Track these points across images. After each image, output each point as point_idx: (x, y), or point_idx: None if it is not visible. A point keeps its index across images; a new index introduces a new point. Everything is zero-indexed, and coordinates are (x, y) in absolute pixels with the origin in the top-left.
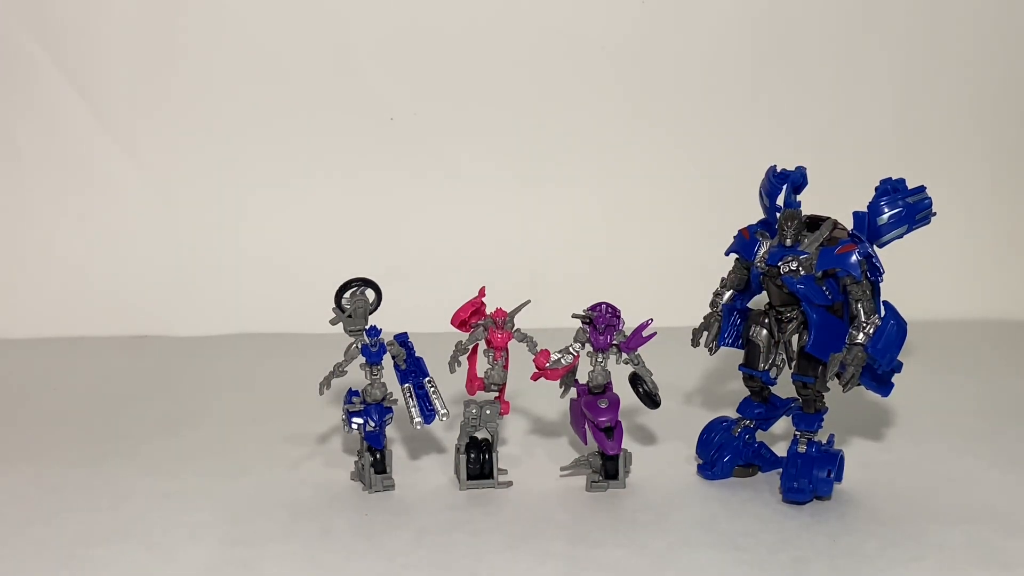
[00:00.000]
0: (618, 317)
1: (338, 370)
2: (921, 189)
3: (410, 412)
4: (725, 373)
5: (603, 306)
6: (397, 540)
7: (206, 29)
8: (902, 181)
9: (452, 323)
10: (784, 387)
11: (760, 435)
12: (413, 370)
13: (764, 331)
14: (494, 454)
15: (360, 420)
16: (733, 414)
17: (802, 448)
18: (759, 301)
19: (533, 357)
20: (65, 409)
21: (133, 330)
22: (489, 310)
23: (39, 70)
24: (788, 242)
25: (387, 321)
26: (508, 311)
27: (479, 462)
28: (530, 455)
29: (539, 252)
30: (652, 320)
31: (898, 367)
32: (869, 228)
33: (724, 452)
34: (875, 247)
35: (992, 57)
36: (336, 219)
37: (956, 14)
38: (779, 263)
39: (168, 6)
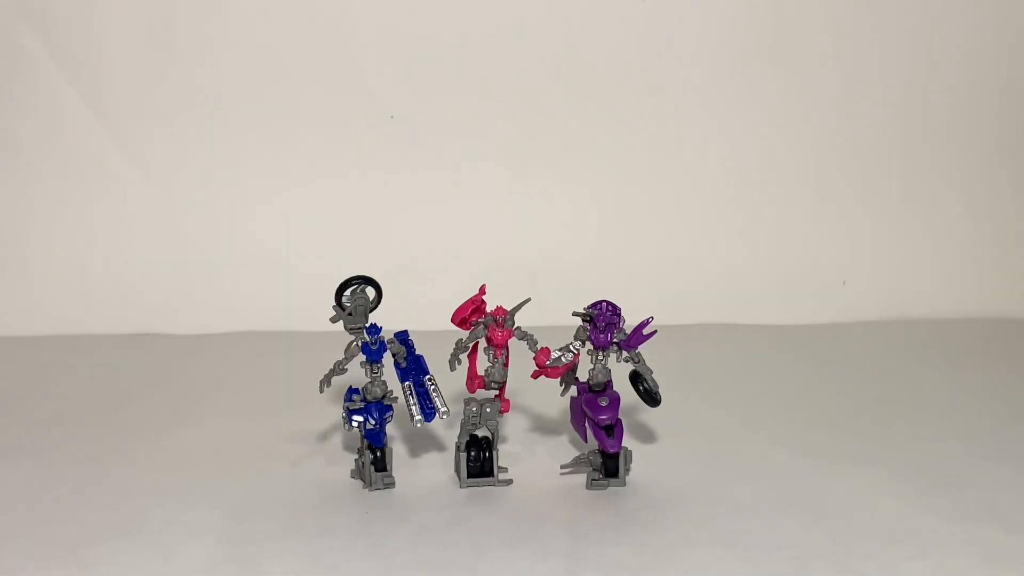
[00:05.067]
0: (618, 315)
1: (338, 368)
2: None
3: (410, 410)
4: (725, 372)
5: (604, 304)
6: (397, 538)
7: (206, 28)
8: None
9: (452, 321)
10: None
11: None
12: (413, 368)
13: None
14: (494, 452)
15: (360, 418)
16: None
17: None
18: None
19: (533, 355)
20: (66, 407)
21: (134, 328)
22: (489, 308)
23: (39, 70)
24: None
25: (387, 319)
26: (508, 309)
27: (479, 460)
28: (530, 453)
29: (540, 250)
30: (652, 318)
31: None
32: None
33: None
34: None
35: (993, 56)
36: (336, 217)
37: (958, 12)
38: None
39: (168, 5)
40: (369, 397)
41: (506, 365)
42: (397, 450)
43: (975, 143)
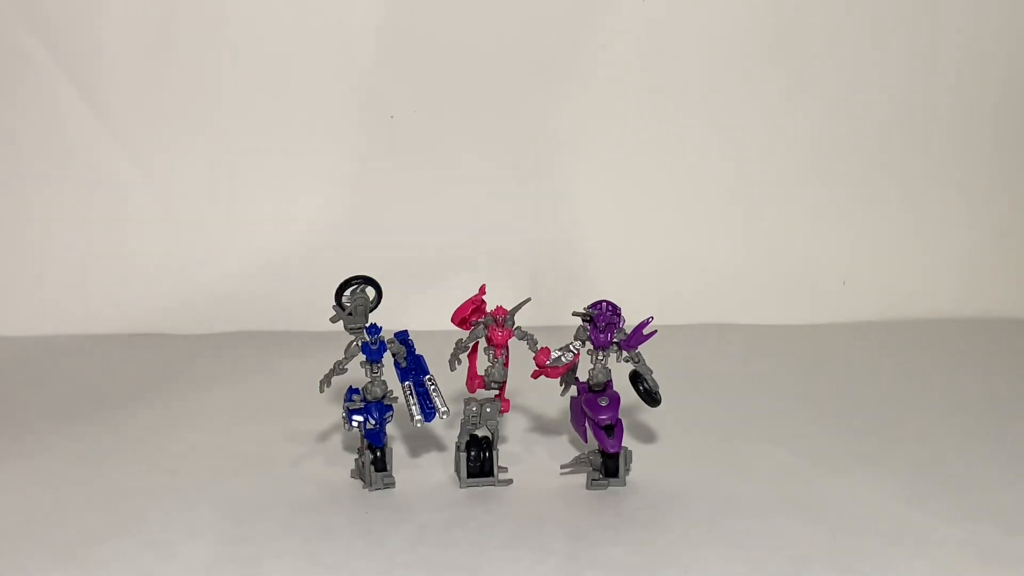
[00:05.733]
0: (618, 315)
1: (338, 368)
2: None
3: (410, 410)
4: (725, 372)
5: (604, 304)
6: (397, 538)
7: (206, 27)
8: None
9: (452, 321)
10: None
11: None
12: (413, 368)
13: None
14: (494, 452)
15: (360, 418)
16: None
17: None
18: None
19: (533, 355)
20: (65, 407)
21: (134, 328)
22: (489, 308)
23: (39, 69)
24: None
25: (387, 319)
26: (508, 309)
27: (479, 460)
28: (530, 453)
29: (540, 250)
30: (652, 318)
31: None
32: None
33: None
34: None
35: (993, 56)
36: (336, 216)
37: (958, 12)
38: None
39: (168, 4)
40: (369, 397)
41: (506, 365)
42: (397, 450)
43: (975, 143)
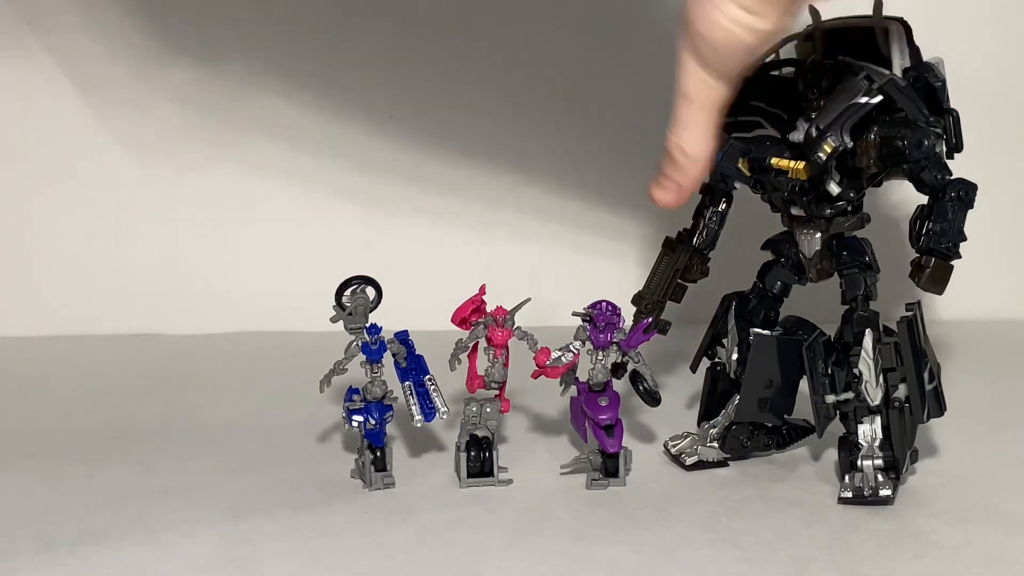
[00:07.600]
0: (618, 315)
1: (338, 368)
2: None
3: (410, 410)
4: None
5: (603, 304)
6: (397, 538)
7: (206, 26)
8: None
9: (453, 321)
10: None
11: None
12: (413, 368)
13: None
14: (494, 452)
15: (360, 418)
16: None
17: None
18: None
19: (533, 355)
20: (65, 407)
21: (132, 328)
22: (489, 308)
23: (39, 69)
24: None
25: (388, 319)
26: (508, 309)
27: (479, 460)
28: (530, 453)
29: (540, 250)
30: (652, 318)
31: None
32: None
33: None
34: None
35: (993, 55)
36: (336, 216)
37: (957, 10)
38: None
39: (168, 3)
40: (369, 397)
41: (506, 365)
42: (397, 450)
43: (975, 143)
